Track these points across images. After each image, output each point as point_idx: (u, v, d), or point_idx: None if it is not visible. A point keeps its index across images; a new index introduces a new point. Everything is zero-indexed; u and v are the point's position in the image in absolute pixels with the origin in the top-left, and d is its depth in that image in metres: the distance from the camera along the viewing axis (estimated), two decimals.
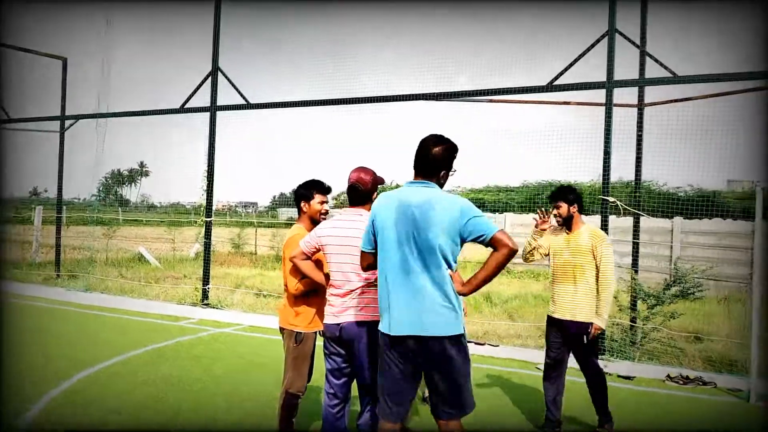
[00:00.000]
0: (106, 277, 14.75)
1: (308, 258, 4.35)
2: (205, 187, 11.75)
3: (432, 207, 3.53)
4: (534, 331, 10.45)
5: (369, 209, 4.25)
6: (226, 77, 11.43)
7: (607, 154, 8.28)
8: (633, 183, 9.43)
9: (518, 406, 6.39)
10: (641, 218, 9.24)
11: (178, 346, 8.56)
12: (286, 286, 4.67)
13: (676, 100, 9.06)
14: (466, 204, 3.57)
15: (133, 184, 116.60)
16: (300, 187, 4.81)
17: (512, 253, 3.44)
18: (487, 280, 3.54)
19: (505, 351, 8.90)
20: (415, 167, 3.72)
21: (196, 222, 14.50)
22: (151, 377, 6.95)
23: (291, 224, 23.22)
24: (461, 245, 3.59)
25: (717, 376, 7.70)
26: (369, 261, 3.82)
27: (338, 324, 4.15)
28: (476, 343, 9.12)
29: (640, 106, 9.40)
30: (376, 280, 4.13)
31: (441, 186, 3.71)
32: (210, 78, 11.55)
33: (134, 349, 8.22)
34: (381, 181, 4.36)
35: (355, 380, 4.34)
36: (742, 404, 6.80)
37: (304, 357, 4.66)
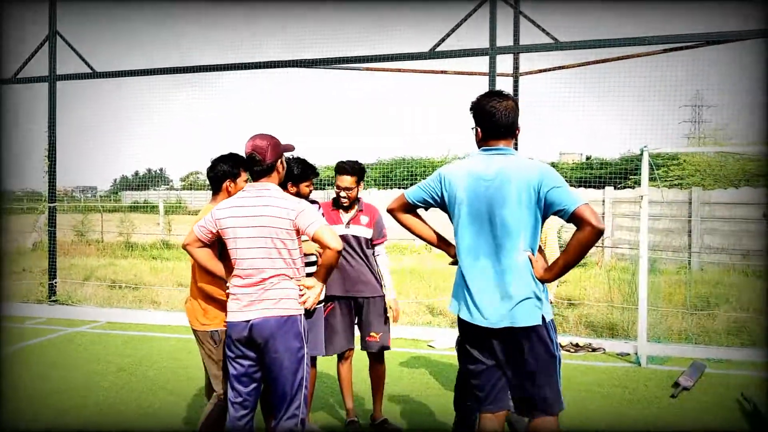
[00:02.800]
0: None
1: (205, 245, 3.64)
2: (46, 168, 10.34)
3: (508, 179, 3.11)
4: (416, 307, 10.23)
5: (275, 182, 3.64)
6: (66, 41, 10.05)
7: None
8: None
9: (429, 386, 6.06)
10: None
11: (26, 352, 7.41)
12: (194, 279, 3.89)
13: (552, 69, 9.06)
14: (547, 171, 3.11)
15: None
16: (221, 162, 3.99)
17: (598, 233, 2.94)
18: (569, 265, 3.12)
19: (393, 330, 8.53)
20: (486, 130, 3.24)
21: (36, 209, 12.88)
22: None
23: (137, 207, 21.41)
24: (543, 221, 3.16)
25: (603, 341, 7.80)
26: (405, 210, 3.54)
27: (247, 321, 3.48)
28: None
29: (516, 75, 9.33)
30: (295, 270, 3.56)
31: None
32: (47, 43, 10.12)
33: None
34: (288, 148, 3.70)
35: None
36: (634, 369, 6.89)
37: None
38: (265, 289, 3.48)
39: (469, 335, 3.31)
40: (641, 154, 7.11)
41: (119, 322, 9.28)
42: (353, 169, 4.82)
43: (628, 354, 7.35)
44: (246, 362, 3.56)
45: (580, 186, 18.51)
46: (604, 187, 17.54)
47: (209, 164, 4.08)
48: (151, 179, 27.71)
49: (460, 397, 4.24)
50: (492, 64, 8.12)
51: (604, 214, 17.78)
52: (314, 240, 3.52)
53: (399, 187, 21.70)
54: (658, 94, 8.73)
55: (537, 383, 3.19)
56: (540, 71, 9.27)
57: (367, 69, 9.16)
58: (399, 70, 9.37)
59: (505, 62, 9.04)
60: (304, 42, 9.47)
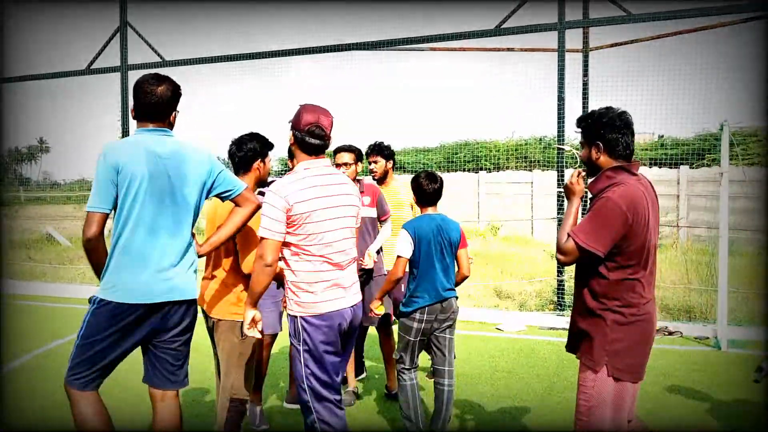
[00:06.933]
0: (12, 261, 13.41)
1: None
2: None
3: (185, 160, 3.28)
4: (483, 290, 10.13)
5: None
6: (137, 32, 10.30)
7: (561, 100, 7.86)
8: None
9: (497, 369, 5.98)
10: (566, 173, 8.70)
11: None
12: (236, 265, 3.68)
13: (624, 43, 8.74)
14: (213, 156, 3.44)
15: (32, 161, 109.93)
16: (248, 141, 3.89)
17: (258, 208, 3.39)
18: (230, 237, 3.44)
19: (461, 313, 8.47)
20: (143, 113, 3.28)
21: None
22: None
23: None
24: (205, 199, 3.45)
25: (681, 324, 7.52)
26: (100, 225, 3.13)
27: (352, 306, 3.35)
28: None
29: (585, 50, 9.04)
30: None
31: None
32: (119, 34, 10.40)
33: (55, 339, 7.30)
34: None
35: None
36: (714, 353, 6.62)
37: (249, 352, 3.76)
38: (352, 272, 3.40)
39: None
40: (720, 131, 6.78)
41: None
42: (351, 148, 5.12)
43: (707, 338, 7.06)
44: (339, 353, 3.37)
45: (653, 166, 17.90)
46: (678, 167, 16.93)
47: (234, 143, 3.94)
48: None
49: None
50: (561, 40, 7.87)
51: (678, 194, 17.17)
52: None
53: (463, 170, 21.51)
54: (737, 68, 8.31)
55: None
56: (611, 46, 8.96)
57: (431, 49, 9.04)
58: (463, 49, 9.21)
59: (574, 37, 8.77)
60: (367, 25, 9.42)
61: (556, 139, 8.16)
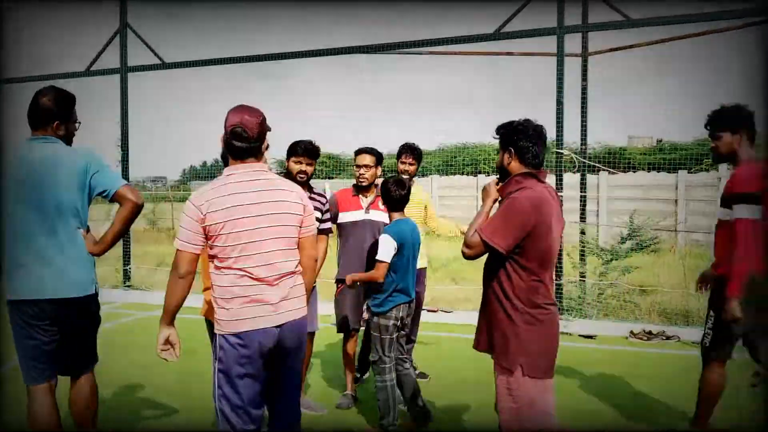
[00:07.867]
0: None
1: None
2: (119, 159, 10.64)
3: (58, 165, 3.46)
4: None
5: (264, 162, 3.22)
6: (136, 34, 10.29)
7: (560, 104, 7.86)
8: (580, 137, 9.05)
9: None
10: (564, 176, 8.64)
11: (101, 335, 7.64)
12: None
13: (623, 48, 8.77)
14: (92, 157, 3.56)
15: None
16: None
17: (137, 207, 3.49)
18: (117, 238, 3.57)
19: (459, 317, 8.50)
20: (29, 121, 3.60)
21: None
22: None
23: None
24: (89, 201, 3.57)
25: (679, 329, 7.54)
26: None
27: (279, 326, 3.03)
28: (428, 310, 8.68)
29: (584, 55, 9.06)
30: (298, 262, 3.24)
31: (67, 140, 3.64)
32: (118, 35, 10.39)
33: None
34: (268, 128, 3.19)
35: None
36: None
37: None
38: (288, 287, 3.09)
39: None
40: None
41: (190, 306, 9.46)
42: (372, 150, 5.18)
43: None
44: (261, 378, 3.10)
45: (651, 171, 17.90)
46: (677, 172, 16.94)
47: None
48: (219, 169, 28.23)
49: None
50: (560, 44, 7.87)
51: (677, 199, 17.17)
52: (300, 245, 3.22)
53: (461, 174, 21.54)
54: (736, 72, 8.33)
55: None
56: (610, 50, 8.98)
57: (431, 53, 9.05)
58: (462, 53, 9.23)
59: (573, 42, 8.78)
60: (366, 29, 9.44)
61: (555, 143, 8.16)
